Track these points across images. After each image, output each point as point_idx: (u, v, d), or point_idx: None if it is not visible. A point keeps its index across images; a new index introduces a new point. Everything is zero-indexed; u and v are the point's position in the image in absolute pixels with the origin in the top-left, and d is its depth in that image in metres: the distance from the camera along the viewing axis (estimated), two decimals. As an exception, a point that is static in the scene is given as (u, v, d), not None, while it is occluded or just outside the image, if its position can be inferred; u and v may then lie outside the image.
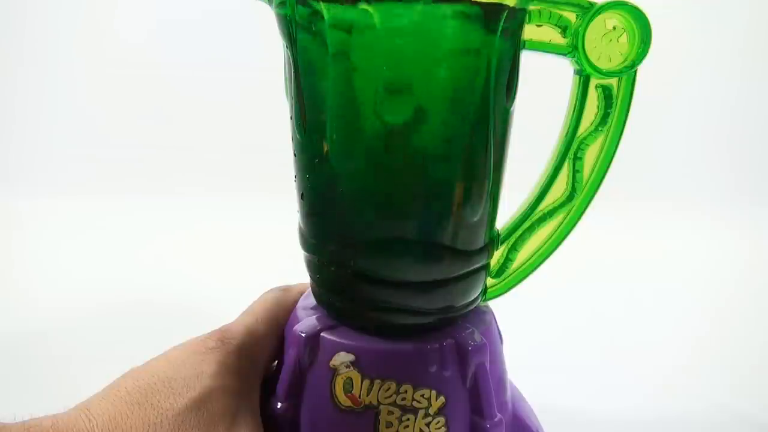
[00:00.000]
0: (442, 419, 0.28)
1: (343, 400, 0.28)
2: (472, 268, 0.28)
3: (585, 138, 0.29)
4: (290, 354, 0.29)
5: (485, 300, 0.32)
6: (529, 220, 0.31)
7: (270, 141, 0.56)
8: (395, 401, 0.27)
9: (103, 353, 0.46)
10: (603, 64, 0.27)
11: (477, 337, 0.28)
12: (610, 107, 0.28)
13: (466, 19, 0.24)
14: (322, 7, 0.24)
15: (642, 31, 0.26)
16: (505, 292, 0.32)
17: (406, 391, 0.27)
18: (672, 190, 0.88)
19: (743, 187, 0.89)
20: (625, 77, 0.28)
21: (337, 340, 0.28)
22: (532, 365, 0.39)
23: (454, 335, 0.28)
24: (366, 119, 0.26)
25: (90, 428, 0.22)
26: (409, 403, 0.27)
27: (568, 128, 0.29)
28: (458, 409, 0.28)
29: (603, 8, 0.26)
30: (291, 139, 0.28)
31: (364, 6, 0.23)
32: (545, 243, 0.31)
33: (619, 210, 0.65)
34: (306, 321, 0.29)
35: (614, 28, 0.27)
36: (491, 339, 0.30)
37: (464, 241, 0.28)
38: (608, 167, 0.30)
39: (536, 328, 0.53)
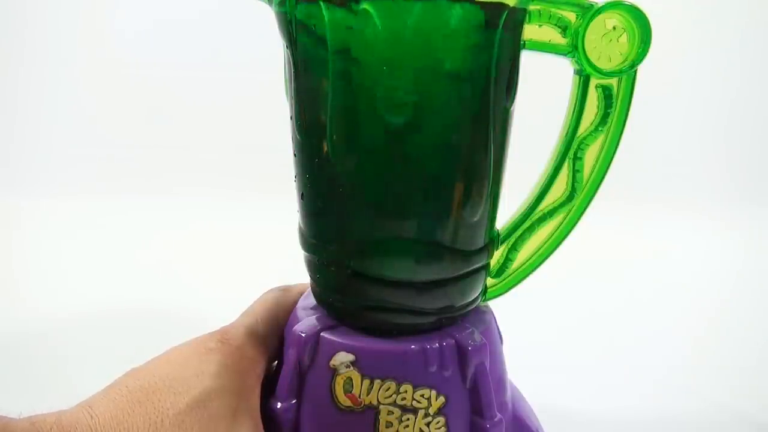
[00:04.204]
0: (441, 419, 0.28)
1: (343, 400, 0.28)
2: (471, 268, 0.28)
3: (585, 138, 0.29)
4: (290, 354, 0.29)
5: (485, 300, 0.32)
6: (529, 220, 0.31)
7: (270, 141, 0.56)
8: (395, 401, 0.27)
9: (103, 353, 0.46)
10: (603, 64, 0.27)
11: (477, 337, 0.28)
12: (610, 107, 0.28)
13: (466, 19, 0.24)
14: (323, 6, 0.24)
15: (642, 31, 0.26)
16: (505, 292, 0.32)
17: (405, 391, 0.27)
18: (671, 190, 0.88)
19: (742, 187, 0.89)
20: (625, 77, 0.28)
21: (337, 340, 0.28)
22: (532, 365, 0.38)
23: (454, 335, 0.28)
24: (366, 119, 0.26)
25: (93, 425, 0.22)
26: (408, 403, 0.27)
27: (568, 128, 0.29)
28: (458, 409, 0.28)
29: (603, 8, 0.26)
30: (291, 139, 0.28)
31: (364, 5, 0.23)
32: (545, 243, 0.31)
33: (619, 210, 0.65)
34: (306, 321, 0.29)
35: (614, 28, 0.27)
36: (491, 339, 0.30)
37: (464, 241, 0.28)
38: (608, 167, 0.30)
39: (536, 328, 0.53)
